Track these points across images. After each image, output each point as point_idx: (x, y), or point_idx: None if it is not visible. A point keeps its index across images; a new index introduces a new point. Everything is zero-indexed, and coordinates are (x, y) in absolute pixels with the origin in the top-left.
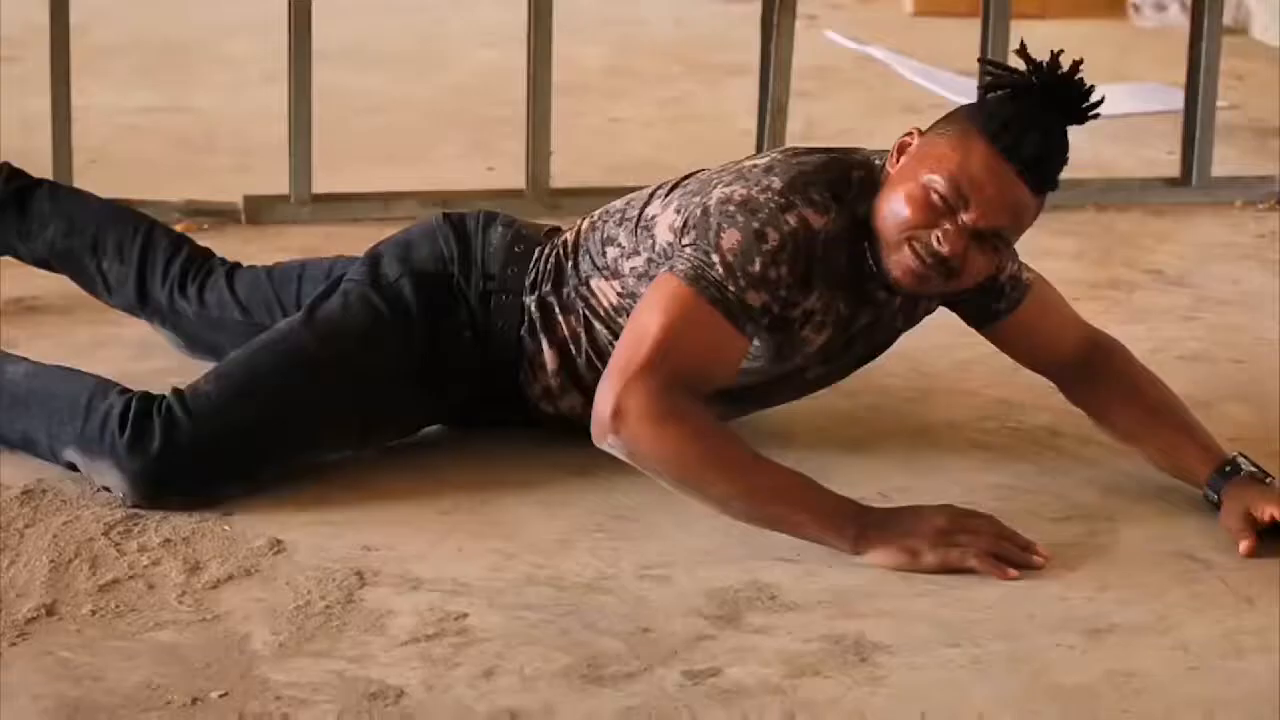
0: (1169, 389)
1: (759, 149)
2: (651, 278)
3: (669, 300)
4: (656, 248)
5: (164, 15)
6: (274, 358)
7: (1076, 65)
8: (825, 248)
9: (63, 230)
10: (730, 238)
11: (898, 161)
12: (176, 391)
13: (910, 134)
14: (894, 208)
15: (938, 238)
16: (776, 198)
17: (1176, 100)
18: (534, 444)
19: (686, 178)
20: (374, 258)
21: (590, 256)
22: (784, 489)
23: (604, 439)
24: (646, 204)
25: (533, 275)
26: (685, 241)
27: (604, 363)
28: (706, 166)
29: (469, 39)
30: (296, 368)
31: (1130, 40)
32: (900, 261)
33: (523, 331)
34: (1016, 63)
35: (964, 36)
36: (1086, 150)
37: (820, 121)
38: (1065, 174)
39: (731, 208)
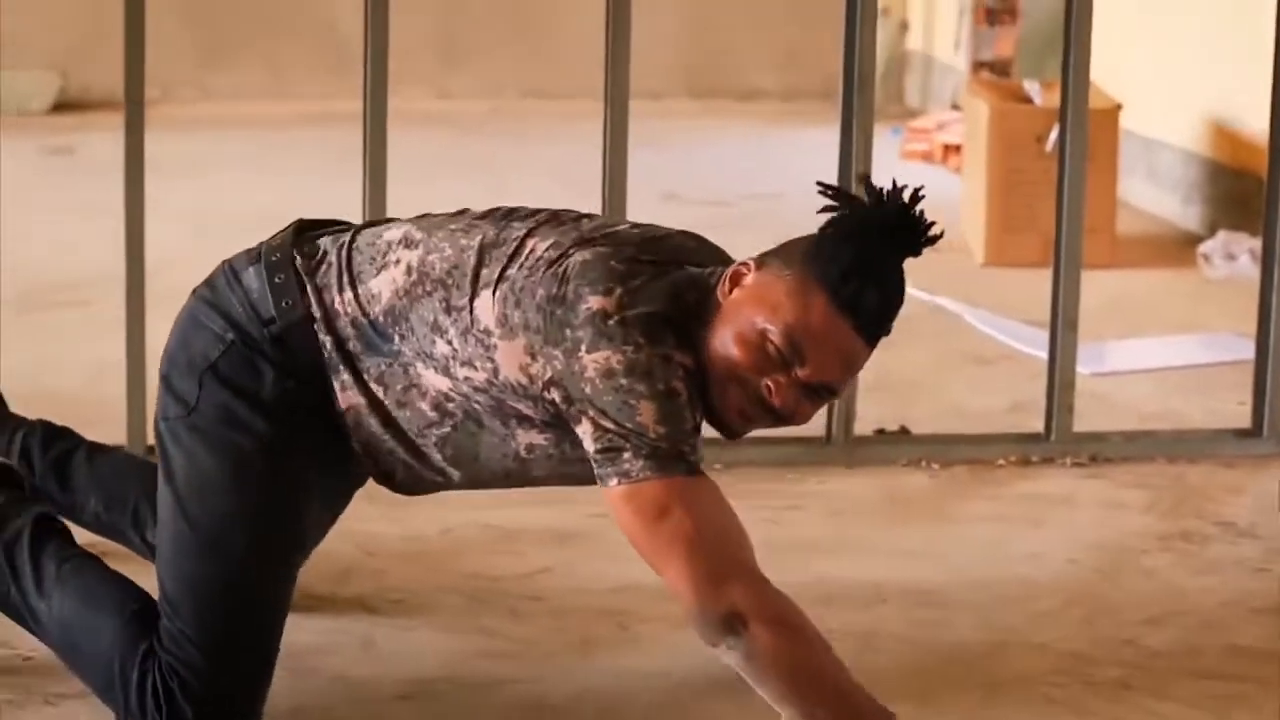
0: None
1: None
2: (492, 397)
3: (667, 501)
4: (503, 375)
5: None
6: (191, 561)
7: (916, 196)
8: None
9: (103, 504)
10: (647, 410)
11: (730, 292)
12: (161, 651)
13: (746, 265)
14: (727, 347)
15: (768, 387)
16: (652, 352)
17: (1247, 350)
18: None
19: (505, 250)
20: (166, 382)
21: (414, 336)
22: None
23: (724, 642)
24: (473, 296)
25: (317, 309)
26: (592, 426)
27: (413, 430)
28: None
29: None
30: (213, 552)
31: (1200, 290)
32: (728, 400)
33: (324, 361)
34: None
35: (1034, 286)
36: (1156, 401)
37: (892, 370)
38: (1135, 426)
39: (623, 380)
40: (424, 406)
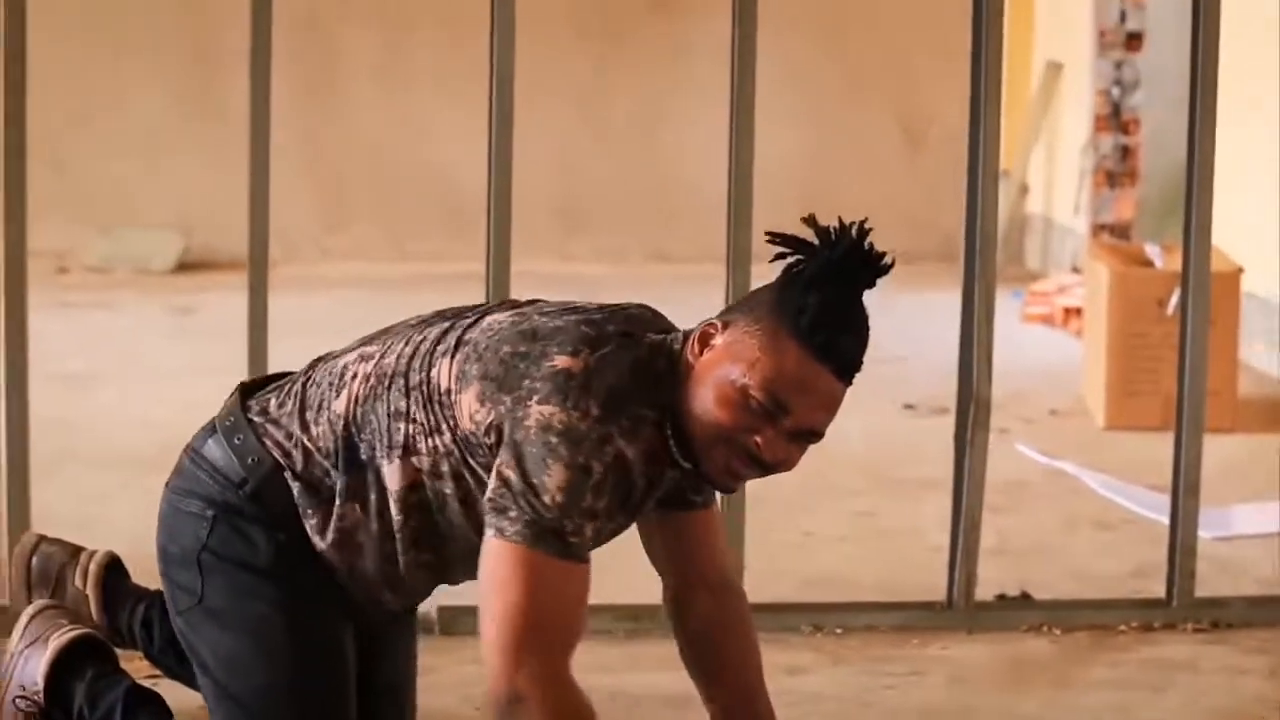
0: (761, 668)
1: (950, 567)
2: (454, 464)
3: (520, 569)
4: (460, 431)
5: None
6: None
7: (863, 229)
8: (640, 468)
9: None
10: (556, 475)
11: (700, 353)
12: None
13: (713, 325)
14: (709, 410)
15: (757, 444)
16: (596, 426)
17: None
18: None
19: (463, 323)
20: (167, 579)
21: (378, 436)
22: None
23: (504, 715)
24: (430, 367)
25: (281, 456)
26: (506, 465)
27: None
28: (481, 305)
29: None
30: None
31: None
32: (715, 461)
33: (295, 502)
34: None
35: (1155, 450)
36: (1275, 564)
37: (1014, 535)
38: (1257, 591)
39: (553, 439)
40: (391, 511)
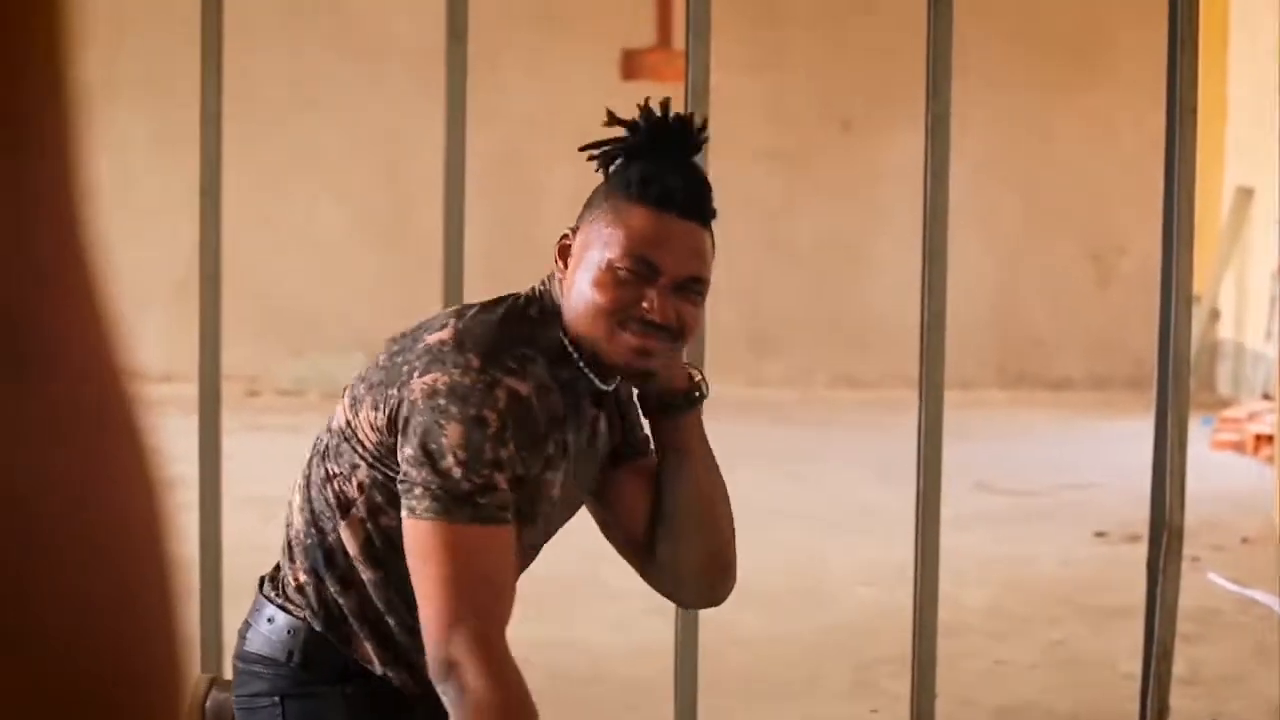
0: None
1: (1142, 696)
2: (380, 479)
3: (437, 544)
4: (369, 451)
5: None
6: None
7: (666, 105)
8: (539, 402)
9: None
10: (452, 434)
11: (565, 266)
12: None
13: (565, 235)
14: (590, 301)
15: (645, 308)
16: (481, 375)
17: None
18: None
19: (360, 382)
20: None
21: (322, 522)
22: None
23: (441, 687)
24: (329, 424)
25: (306, 611)
26: (404, 446)
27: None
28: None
29: (849, 576)
30: None
31: None
32: (620, 346)
33: (337, 647)
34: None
35: None
36: None
37: (1205, 664)
38: None
39: (441, 400)
40: (366, 577)
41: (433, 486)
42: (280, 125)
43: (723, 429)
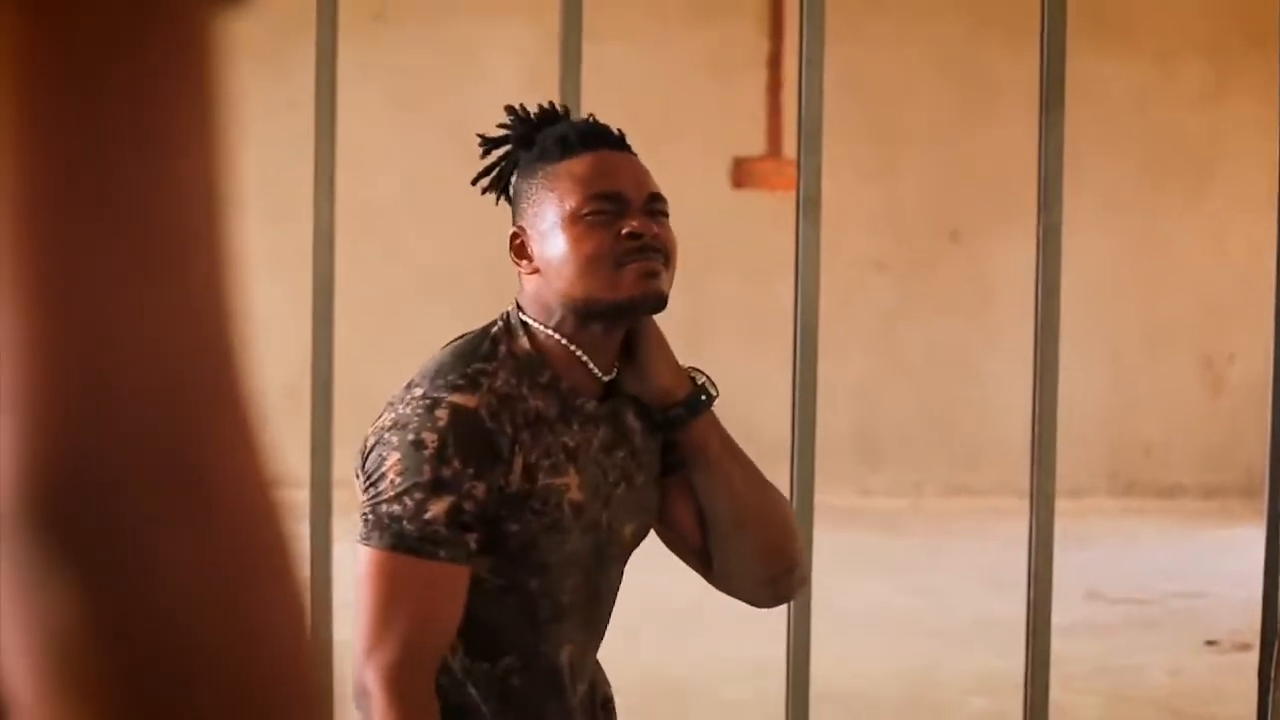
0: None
1: None
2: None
3: (371, 571)
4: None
5: (659, 650)
6: None
7: (518, 107)
8: (500, 408)
9: None
10: (391, 460)
11: (527, 259)
12: None
13: (515, 234)
14: (577, 257)
15: (628, 233)
16: (420, 402)
17: None
18: None
19: None
20: None
21: None
22: None
23: (357, 712)
24: None
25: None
26: (365, 491)
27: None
28: None
29: (961, 686)
30: None
31: None
32: (625, 281)
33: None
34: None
35: None
36: None
37: None
38: None
39: (387, 434)
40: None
41: (367, 512)
42: (397, 242)
43: (832, 538)
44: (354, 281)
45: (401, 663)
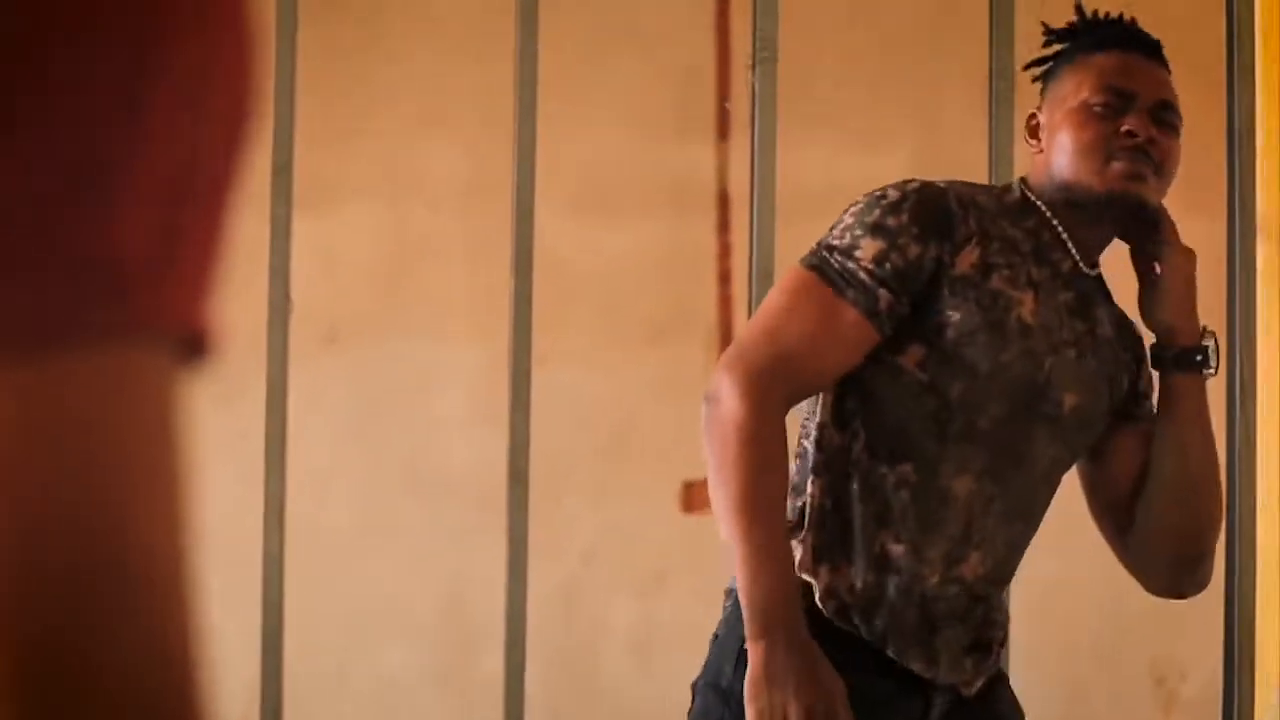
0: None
1: None
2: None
3: (780, 284)
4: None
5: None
6: None
7: (1092, 12)
8: (970, 207)
9: None
10: (852, 210)
11: (1037, 140)
12: None
13: (1030, 116)
14: (1075, 142)
15: (1128, 132)
16: (897, 184)
17: None
18: None
19: None
20: None
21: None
22: (762, 542)
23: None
24: None
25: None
26: None
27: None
28: None
29: None
30: None
31: None
32: (1111, 175)
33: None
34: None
35: None
36: None
37: None
38: None
39: (855, 205)
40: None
41: (817, 247)
42: (349, 564)
43: None
44: (303, 609)
45: (765, 372)
